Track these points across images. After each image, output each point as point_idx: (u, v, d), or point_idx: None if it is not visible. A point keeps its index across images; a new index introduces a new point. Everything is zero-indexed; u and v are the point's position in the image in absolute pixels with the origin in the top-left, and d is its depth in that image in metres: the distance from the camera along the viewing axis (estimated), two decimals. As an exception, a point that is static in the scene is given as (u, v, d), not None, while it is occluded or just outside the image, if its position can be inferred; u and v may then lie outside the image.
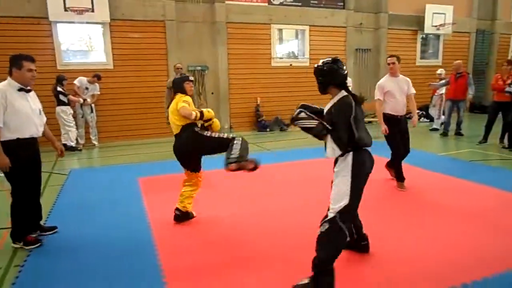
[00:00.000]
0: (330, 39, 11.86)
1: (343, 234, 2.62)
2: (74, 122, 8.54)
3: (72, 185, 5.75)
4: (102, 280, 3.02)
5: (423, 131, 10.27)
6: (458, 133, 9.29)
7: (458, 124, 9.31)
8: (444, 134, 9.37)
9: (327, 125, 2.68)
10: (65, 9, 8.74)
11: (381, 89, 5.20)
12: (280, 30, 11.46)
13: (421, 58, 13.60)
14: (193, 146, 3.95)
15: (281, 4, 11.18)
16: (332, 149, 2.71)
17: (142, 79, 9.74)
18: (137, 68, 9.68)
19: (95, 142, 9.08)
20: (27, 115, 3.49)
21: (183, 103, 3.88)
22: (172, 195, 5.12)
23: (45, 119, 3.79)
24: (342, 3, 11.93)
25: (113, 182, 5.81)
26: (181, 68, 8.14)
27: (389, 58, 5.28)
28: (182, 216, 4.13)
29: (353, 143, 2.67)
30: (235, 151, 3.71)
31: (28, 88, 3.57)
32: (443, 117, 9.85)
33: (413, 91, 5.29)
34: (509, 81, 7.57)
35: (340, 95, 2.79)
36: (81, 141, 8.94)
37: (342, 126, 2.63)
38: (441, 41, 13.75)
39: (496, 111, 7.98)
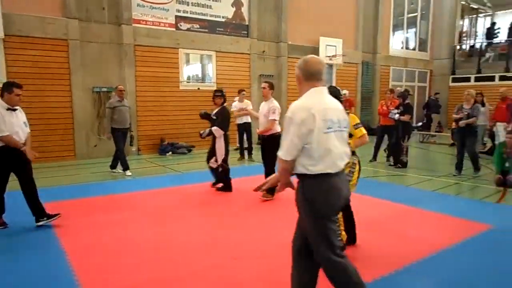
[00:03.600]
0: (236, 65, 12.44)
1: None
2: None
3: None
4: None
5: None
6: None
7: None
8: None
9: None
10: (-51, 21, 7.92)
11: None
12: (188, 54, 11.69)
13: (317, 85, 14.88)
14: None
15: (188, 29, 11.45)
16: None
17: (42, 99, 9.12)
18: (38, 88, 9.02)
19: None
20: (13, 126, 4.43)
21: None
22: (82, 220, 4.97)
23: (28, 130, 4.70)
24: (246, 32, 12.64)
25: (11, 209, 4.90)
26: (124, 91, 8.02)
27: (263, 83, 6.25)
28: None
29: None
30: None
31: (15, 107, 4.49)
32: None
33: (271, 116, 5.93)
34: (391, 107, 8.76)
35: None
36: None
37: None
38: (334, 70, 15.27)
39: (382, 133, 9.12)
